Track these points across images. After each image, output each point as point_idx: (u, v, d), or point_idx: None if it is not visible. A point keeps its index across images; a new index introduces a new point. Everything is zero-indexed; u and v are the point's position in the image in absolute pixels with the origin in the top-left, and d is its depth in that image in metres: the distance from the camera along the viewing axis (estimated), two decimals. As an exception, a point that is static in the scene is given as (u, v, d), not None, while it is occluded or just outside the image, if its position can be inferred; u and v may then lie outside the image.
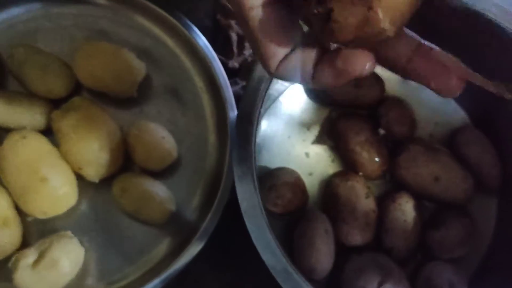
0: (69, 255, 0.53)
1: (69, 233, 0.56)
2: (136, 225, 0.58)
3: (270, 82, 0.48)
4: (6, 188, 0.55)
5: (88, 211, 0.59)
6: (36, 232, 0.58)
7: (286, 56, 0.30)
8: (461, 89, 0.28)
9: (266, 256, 0.42)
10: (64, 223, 0.58)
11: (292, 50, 0.30)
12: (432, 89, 0.29)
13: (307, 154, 0.61)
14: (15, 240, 0.54)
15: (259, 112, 0.46)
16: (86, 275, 0.57)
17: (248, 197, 0.44)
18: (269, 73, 0.31)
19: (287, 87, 0.62)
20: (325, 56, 0.30)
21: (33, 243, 0.56)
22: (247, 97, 0.47)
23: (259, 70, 0.48)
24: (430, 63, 0.28)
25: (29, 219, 0.57)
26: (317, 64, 0.30)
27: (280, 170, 0.56)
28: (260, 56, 0.31)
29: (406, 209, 0.57)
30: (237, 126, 0.46)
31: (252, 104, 0.47)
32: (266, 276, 0.60)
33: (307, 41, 0.30)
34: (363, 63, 0.27)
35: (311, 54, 0.30)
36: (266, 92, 0.47)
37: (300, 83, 0.32)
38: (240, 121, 0.46)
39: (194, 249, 0.55)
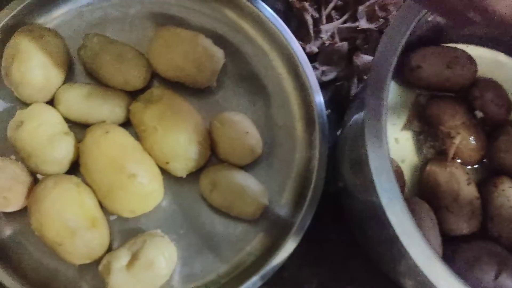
0: (164, 254, 0.50)
1: (159, 231, 0.52)
2: (226, 221, 0.55)
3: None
4: (90, 187, 0.52)
5: (173, 207, 0.56)
6: (118, 232, 0.54)
7: None
8: None
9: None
10: (147, 222, 0.55)
11: None
12: None
13: (396, 140, 0.58)
14: (104, 241, 0.51)
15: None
16: (176, 277, 0.53)
17: (388, 189, 0.41)
18: None
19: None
20: None
21: (117, 243, 0.53)
22: (376, 71, 0.44)
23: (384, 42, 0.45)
24: None
25: (112, 218, 0.54)
26: None
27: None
28: None
29: (510, 194, 0.54)
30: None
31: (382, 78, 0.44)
32: (364, 270, 0.58)
33: None
34: None
35: None
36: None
37: None
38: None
39: (290, 244, 0.52)
